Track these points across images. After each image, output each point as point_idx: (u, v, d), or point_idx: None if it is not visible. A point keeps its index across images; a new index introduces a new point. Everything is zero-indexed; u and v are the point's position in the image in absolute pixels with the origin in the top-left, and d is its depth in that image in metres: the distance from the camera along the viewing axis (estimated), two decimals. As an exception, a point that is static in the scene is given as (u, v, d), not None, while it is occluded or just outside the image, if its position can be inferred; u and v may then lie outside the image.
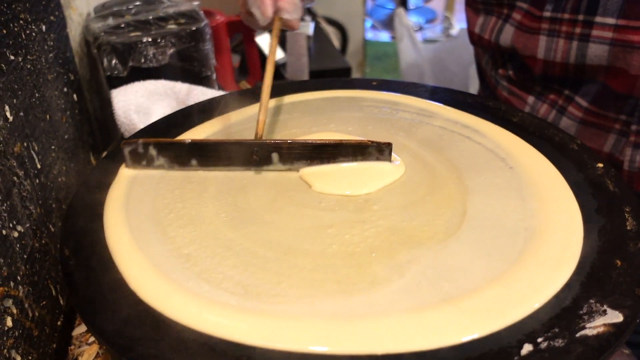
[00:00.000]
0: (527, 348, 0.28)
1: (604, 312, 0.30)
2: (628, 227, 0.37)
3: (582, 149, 0.46)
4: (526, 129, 0.49)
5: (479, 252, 0.35)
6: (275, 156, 0.44)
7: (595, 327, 0.30)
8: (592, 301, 0.31)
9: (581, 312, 0.31)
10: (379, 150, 0.44)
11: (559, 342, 0.29)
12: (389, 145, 0.44)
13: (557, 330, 0.29)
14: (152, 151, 0.45)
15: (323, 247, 0.36)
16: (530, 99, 0.61)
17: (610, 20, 0.50)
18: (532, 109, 0.61)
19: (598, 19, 0.51)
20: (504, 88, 0.65)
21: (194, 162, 0.45)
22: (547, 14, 0.54)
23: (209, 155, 0.45)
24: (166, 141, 0.46)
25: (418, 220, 0.38)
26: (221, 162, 0.45)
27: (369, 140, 0.44)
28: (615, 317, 0.30)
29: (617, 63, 0.51)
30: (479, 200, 0.40)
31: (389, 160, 0.44)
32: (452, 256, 0.35)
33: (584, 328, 0.30)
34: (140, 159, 0.45)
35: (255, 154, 0.44)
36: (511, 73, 0.63)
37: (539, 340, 0.29)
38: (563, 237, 0.36)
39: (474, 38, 0.68)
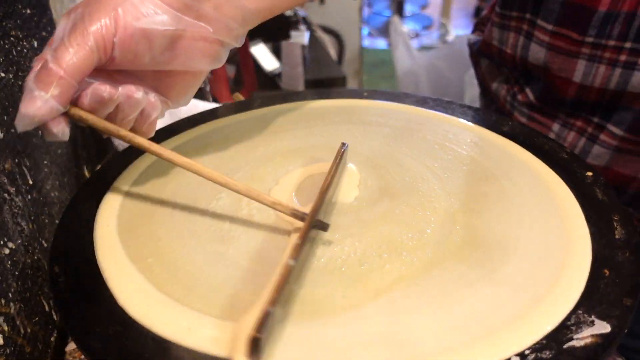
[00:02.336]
0: (514, 360, 0.28)
1: (592, 322, 0.30)
2: (617, 236, 0.37)
3: (572, 158, 0.46)
4: (516, 137, 0.49)
5: (466, 263, 0.35)
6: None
7: (583, 338, 0.30)
8: (580, 312, 0.31)
9: (569, 323, 0.31)
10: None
11: (546, 354, 0.29)
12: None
13: (544, 342, 0.29)
14: (279, 310, 0.31)
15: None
16: (555, 127, 0.60)
17: None
18: (558, 137, 0.60)
19: None
20: (523, 114, 0.63)
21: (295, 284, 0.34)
22: (589, 39, 0.53)
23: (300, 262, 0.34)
24: (279, 285, 0.30)
25: (407, 230, 0.38)
26: (303, 260, 0.35)
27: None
28: (603, 327, 0.30)
29: None
30: (468, 210, 0.40)
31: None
32: (436, 267, 0.35)
33: (571, 339, 0.29)
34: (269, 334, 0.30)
35: (321, 224, 0.37)
36: (533, 98, 0.61)
37: (527, 352, 0.29)
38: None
39: (492, 50, 0.66)
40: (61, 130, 0.36)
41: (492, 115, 0.54)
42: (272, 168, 0.47)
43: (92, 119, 0.37)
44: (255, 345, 0.28)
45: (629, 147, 0.54)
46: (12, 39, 0.49)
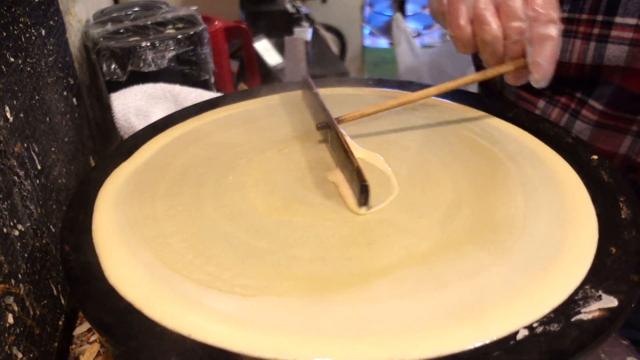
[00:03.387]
0: (522, 333, 0.29)
1: (599, 297, 0.31)
2: (623, 216, 0.37)
3: (577, 142, 0.46)
4: (522, 123, 0.50)
5: (474, 241, 0.35)
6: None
7: (590, 311, 0.30)
8: (587, 287, 0.31)
9: (576, 297, 0.31)
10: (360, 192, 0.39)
11: (554, 327, 0.29)
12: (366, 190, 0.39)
13: (552, 315, 0.30)
14: None
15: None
16: (541, 103, 0.61)
17: (631, 21, 0.50)
18: (543, 113, 0.60)
19: (618, 19, 0.50)
20: (512, 93, 0.64)
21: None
22: (563, 14, 0.53)
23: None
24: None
25: (414, 212, 0.39)
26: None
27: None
28: (610, 302, 0.30)
29: (635, 64, 0.51)
30: (475, 192, 0.40)
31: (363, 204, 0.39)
32: (444, 246, 0.35)
33: (579, 313, 0.30)
34: None
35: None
36: None
37: (535, 325, 0.29)
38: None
39: None
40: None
41: (497, 102, 0.54)
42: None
43: None
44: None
45: (607, 122, 0.55)
46: (20, 25, 0.49)
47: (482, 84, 0.74)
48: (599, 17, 0.52)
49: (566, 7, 0.53)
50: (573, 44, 0.54)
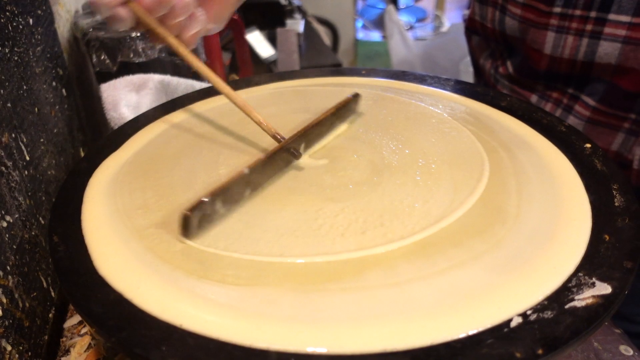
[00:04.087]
0: (516, 320, 0.28)
1: (593, 284, 0.31)
2: (616, 204, 0.37)
3: (570, 131, 0.46)
4: (515, 112, 0.49)
5: (468, 230, 0.35)
6: (302, 146, 0.43)
7: (584, 298, 0.30)
8: (580, 274, 0.31)
9: (570, 284, 0.31)
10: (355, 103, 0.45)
11: (548, 314, 0.29)
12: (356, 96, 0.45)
13: (546, 302, 0.30)
14: (219, 204, 0.37)
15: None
16: (534, 98, 0.61)
17: (625, 18, 0.50)
18: None
19: (612, 16, 0.50)
20: (505, 86, 0.64)
21: (247, 192, 0.39)
22: (556, 9, 0.53)
23: (258, 175, 0.39)
24: (227, 185, 0.37)
25: (407, 201, 0.38)
26: (266, 177, 0.41)
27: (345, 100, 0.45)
28: (603, 289, 0.30)
29: (627, 62, 0.51)
30: (466, 182, 0.40)
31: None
32: (437, 235, 0.35)
33: (572, 300, 0.30)
34: (205, 222, 0.36)
35: (293, 151, 0.41)
36: (512, 71, 0.62)
37: (528, 312, 0.29)
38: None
39: (477, 26, 0.67)
40: (126, 15, 0.43)
41: (490, 91, 0.54)
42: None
43: (146, 17, 0.43)
44: (185, 221, 0.34)
45: (600, 118, 0.55)
46: (7, 13, 0.49)
47: (477, 77, 0.74)
48: (593, 14, 0.51)
49: (560, 2, 0.53)
50: (565, 40, 0.54)
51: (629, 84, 0.52)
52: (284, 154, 0.41)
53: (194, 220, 0.35)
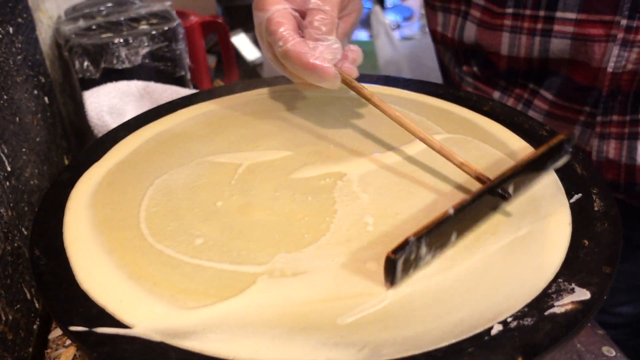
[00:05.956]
0: (497, 328, 0.29)
1: (572, 290, 0.31)
2: (595, 208, 0.37)
3: (551, 135, 0.46)
4: (496, 116, 0.50)
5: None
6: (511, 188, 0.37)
7: (563, 305, 0.30)
8: (560, 280, 0.32)
9: (550, 291, 0.31)
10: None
11: (528, 321, 0.29)
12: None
13: (526, 309, 0.30)
14: (423, 248, 0.32)
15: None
16: (496, 94, 0.63)
17: (571, 15, 0.51)
18: None
19: (559, 14, 0.52)
20: (469, 84, 0.66)
21: (454, 236, 0.34)
22: (509, 10, 0.55)
23: (464, 217, 0.34)
24: (433, 224, 0.32)
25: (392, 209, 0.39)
26: (472, 220, 0.36)
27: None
28: (583, 294, 0.31)
29: (578, 56, 0.53)
30: (452, 189, 0.40)
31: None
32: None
33: (552, 306, 0.30)
34: (408, 267, 0.32)
35: (502, 192, 0.36)
36: (475, 69, 0.64)
37: (509, 320, 0.29)
38: (532, 219, 0.36)
39: (437, 37, 0.68)
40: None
41: (473, 95, 0.54)
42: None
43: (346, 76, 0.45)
44: (390, 265, 0.30)
45: (558, 112, 0.57)
46: (-14, 23, 0.48)
47: (444, 76, 0.76)
48: (541, 13, 0.53)
49: (511, 2, 0.55)
50: (519, 39, 0.56)
51: (581, 78, 0.54)
52: (490, 196, 0.37)
53: (398, 264, 0.31)
